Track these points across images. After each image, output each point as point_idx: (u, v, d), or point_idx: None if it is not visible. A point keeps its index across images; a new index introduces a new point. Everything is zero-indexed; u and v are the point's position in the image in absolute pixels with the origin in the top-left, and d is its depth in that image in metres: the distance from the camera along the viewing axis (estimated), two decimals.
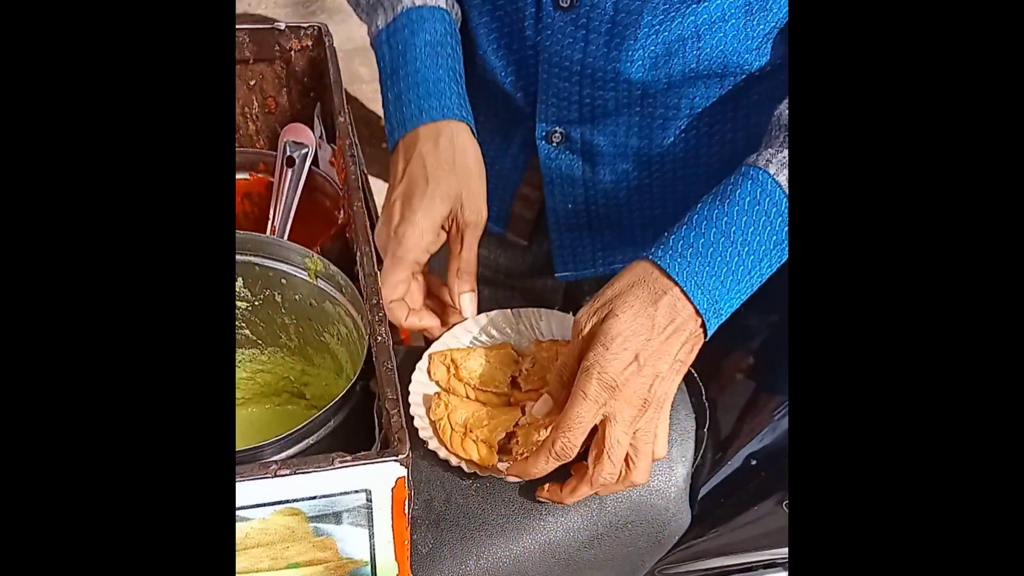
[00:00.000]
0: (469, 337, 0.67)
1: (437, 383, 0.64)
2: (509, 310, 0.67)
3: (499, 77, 0.69)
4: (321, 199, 0.59)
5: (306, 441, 0.44)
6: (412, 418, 0.60)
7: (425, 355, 0.64)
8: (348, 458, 0.37)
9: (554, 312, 0.68)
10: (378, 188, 2.15)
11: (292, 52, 0.58)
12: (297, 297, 0.53)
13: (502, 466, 0.59)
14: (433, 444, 0.59)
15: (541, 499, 0.58)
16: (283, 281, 0.52)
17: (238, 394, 0.60)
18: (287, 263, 0.51)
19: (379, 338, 0.41)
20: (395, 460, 0.37)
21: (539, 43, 0.65)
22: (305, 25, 0.57)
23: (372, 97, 2.35)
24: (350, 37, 2.30)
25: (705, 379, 0.71)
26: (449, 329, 0.65)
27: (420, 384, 0.62)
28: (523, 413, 0.62)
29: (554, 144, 0.71)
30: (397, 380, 0.40)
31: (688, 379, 0.71)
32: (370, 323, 0.43)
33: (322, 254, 0.52)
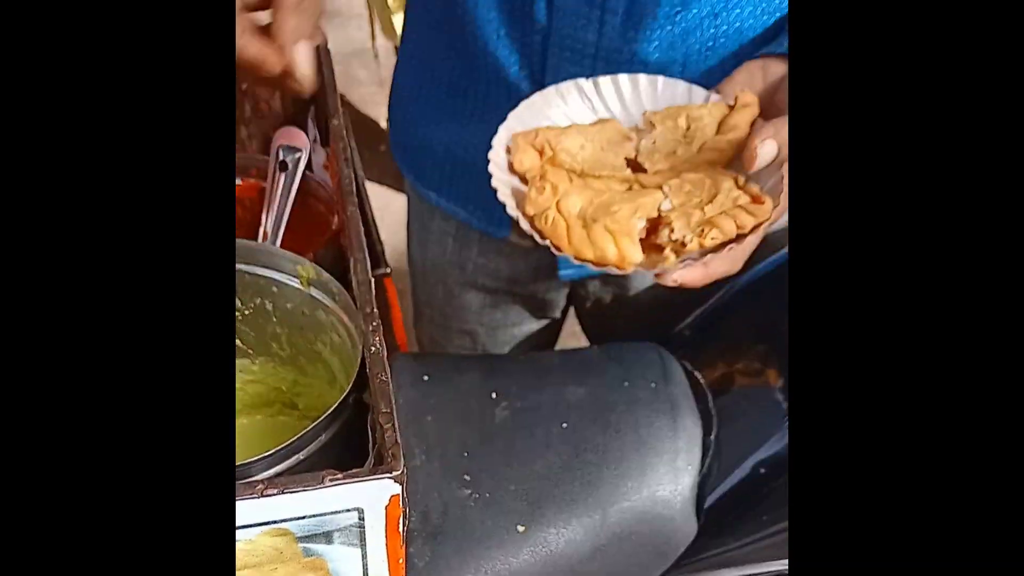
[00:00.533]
0: (538, 122, 0.55)
1: (522, 176, 0.52)
2: (579, 81, 0.56)
3: (504, 65, 0.67)
4: (315, 204, 0.58)
5: (296, 456, 0.42)
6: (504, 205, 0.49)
7: (500, 139, 0.52)
8: (339, 476, 0.35)
9: (637, 77, 0.57)
10: (375, 192, 2.14)
11: None
12: (289, 306, 0.51)
13: (675, 273, 0.48)
14: (552, 245, 0.48)
15: (672, 283, 0.49)
16: (274, 289, 0.51)
17: None
18: (278, 271, 0.50)
19: (373, 349, 0.40)
20: (389, 477, 0.36)
21: (550, 26, 0.63)
22: None
23: (370, 100, 2.34)
24: (348, 39, 2.30)
25: (713, 385, 0.69)
26: (515, 111, 0.54)
27: (501, 182, 0.51)
28: (665, 196, 0.50)
29: None
30: (392, 392, 0.38)
31: (694, 385, 0.70)
32: (364, 333, 0.41)
33: (315, 261, 0.50)
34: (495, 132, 0.55)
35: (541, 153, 0.52)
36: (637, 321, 0.84)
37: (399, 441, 0.37)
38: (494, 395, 0.70)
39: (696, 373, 0.70)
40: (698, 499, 0.65)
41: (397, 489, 0.36)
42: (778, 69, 0.57)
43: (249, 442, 0.59)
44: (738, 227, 0.47)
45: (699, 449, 0.66)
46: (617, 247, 0.47)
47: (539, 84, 0.67)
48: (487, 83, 0.69)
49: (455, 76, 0.71)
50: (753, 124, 0.54)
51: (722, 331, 0.73)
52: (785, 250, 0.72)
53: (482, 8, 0.65)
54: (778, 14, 0.62)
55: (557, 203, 0.49)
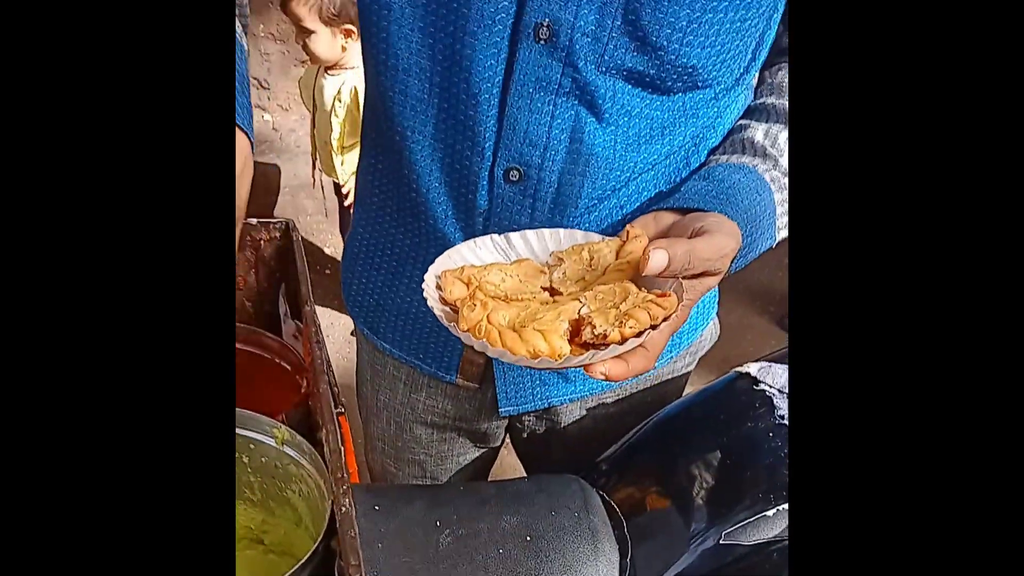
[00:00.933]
0: (459, 264, 0.64)
1: (452, 305, 0.59)
2: (493, 236, 0.66)
3: (451, 241, 0.78)
4: (285, 368, 0.68)
5: None
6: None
7: (430, 276, 0.61)
8: None
9: (542, 230, 0.67)
10: (321, 314, 2.24)
11: (262, 241, 0.67)
12: (264, 459, 0.60)
13: (601, 367, 0.53)
14: (488, 346, 0.54)
15: (600, 376, 0.55)
16: (252, 446, 0.60)
17: None
18: (257, 431, 0.59)
19: (343, 509, 0.49)
20: None
21: (490, 211, 0.75)
22: (275, 221, 0.67)
23: (316, 228, 2.48)
24: (296, 175, 2.46)
25: (627, 514, 0.80)
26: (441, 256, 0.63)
27: (435, 304, 0.59)
28: (582, 303, 0.57)
29: None
30: (359, 547, 0.48)
31: (611, 513, 0.80)
32: (335, 494, 0.51)
33: (286, 419, 0.60)
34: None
35: (468, 284, 0.60)
36: (565, 450, 0.95)
37: None
38: (438, 523, 0.79)
39: (612, 502, 0.80)
40: None
41: None
42: (667, 218, 0.66)
43: None
44: (651, 318, 0.54)
45: (617, 571, 0.76)
46: (547, 342, 0.53)
47: None
48: (435, 254, 0.81)
49: (405, 248, 0.83)
50: (645, 249, 0.61)
51: (632, 466, 0.84)
52: (675, 403, 0.84)
53: (433, 194, 0.77)
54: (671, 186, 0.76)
55: (487, 316, 0.55)
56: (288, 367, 0.69)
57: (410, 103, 0.74)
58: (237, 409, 0.59)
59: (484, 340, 0.54)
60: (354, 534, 0.48)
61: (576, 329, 0.56)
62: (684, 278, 0.60)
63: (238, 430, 0.59)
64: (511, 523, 0.78)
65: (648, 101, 0.70)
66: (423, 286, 0.62)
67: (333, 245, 2.44)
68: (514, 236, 0.67)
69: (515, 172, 0.72)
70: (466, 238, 0.78)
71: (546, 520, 0.78)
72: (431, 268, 0.64)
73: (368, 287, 0.85)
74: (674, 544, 0.78)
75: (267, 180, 2.51)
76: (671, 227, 0.66)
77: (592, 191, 0.73)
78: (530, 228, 0.75)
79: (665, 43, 0.65)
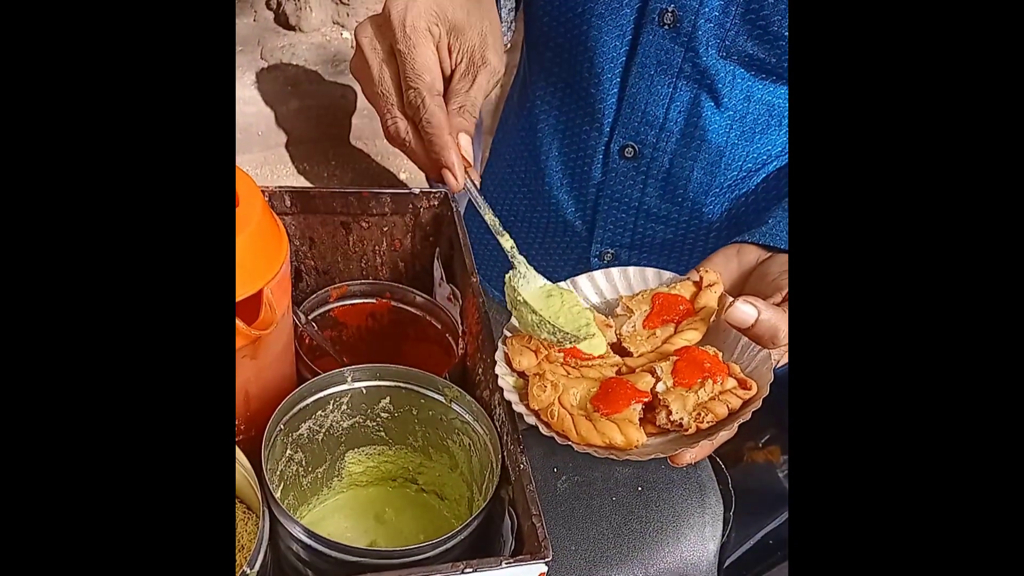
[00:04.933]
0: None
1: (522, 374, 0.57)
2: (560, 284, 0.61)
3: (563, 206, 0.84)
4: (441, 331, 0.74)
5: (457, 539, 0.57)
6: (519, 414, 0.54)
7: (499, 344, 0.59)
8: (511, 559, 0.51)
9: (610, 270, 0.64)
10: None
11: (421, 208, 0.73)
12: (431, 413, 0.67)
13: (687, 456, 0.51)
14: (557, 436, 0.53)
15: (682, 464, 0.53)
16: (422, 401, 0.67)
17: (363, 477, 0.74)
18: (429, 388, 0.66)
19: (522, 466, 0.56)
20: (544, 562, 0.52)
21: (603, 183, 0.80)
22: (434, 190, 0.72)
23: (392, 152, 2.52)
24: None
25: (732, 470, 0.86)
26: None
27: (505, 379, 0.57)
28: (655, 376, 0.54)
29: (605, 262, 0.87)
30: (538, 498, 0.54)
31: (716, 470, 0.87)
32: (512, 453, 0.57)
33: (448, 377, 0.66)
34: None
35: (537, 352, 0.57)
36: None
37: (547, 535, 0.53)
38: (555, 470, 0.86)
39: (718, 459, 0.87)
40: (720, 561, 0.82)
41: (545, 568, 0.53)
42: (750, 255, 0.63)
43: (375, 506, 0.74)
44: (729, 409, 0.53)
45: (721, 523, 0.83)
46: (622, 433, 0.52)
47: (590, 223, 0.83)
48: (547, 217, 0.86)
49: (522, 207, 0.89)
50: (720, 298, 0.59)
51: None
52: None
53: (551, 161, 0.82)
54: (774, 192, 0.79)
55: (559, 398, 0.53)
56: (439, 326, 0.75)
57: (543, 75, 0.79)
58: (412, 369, 0.65)
59: (556, 431, 0.53)
60: (533, 488, 0.55)
61: (649, 406, 0.54)
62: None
63: (414, 387, 0.66)
64: (623, 473, 0.85)
65: (767, 88, 0.73)
66: (496, 355, 0.59)
67: (408, 170, 2.48)
68: (581, 279, 0.64)
69: (630, 149, 0.77)
70: (578, 203, 0.83)
71: (657, 472, 0.85)
72: (505, 328, 0.61)
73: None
74: (774, 502, 0.85)
75: (346, 102, 2.55)
76: (753, 269, 0.63)
77: (703, 176, 0.77)
78: (640, 204, 0.80)
79: (786, 32, 0.67)
